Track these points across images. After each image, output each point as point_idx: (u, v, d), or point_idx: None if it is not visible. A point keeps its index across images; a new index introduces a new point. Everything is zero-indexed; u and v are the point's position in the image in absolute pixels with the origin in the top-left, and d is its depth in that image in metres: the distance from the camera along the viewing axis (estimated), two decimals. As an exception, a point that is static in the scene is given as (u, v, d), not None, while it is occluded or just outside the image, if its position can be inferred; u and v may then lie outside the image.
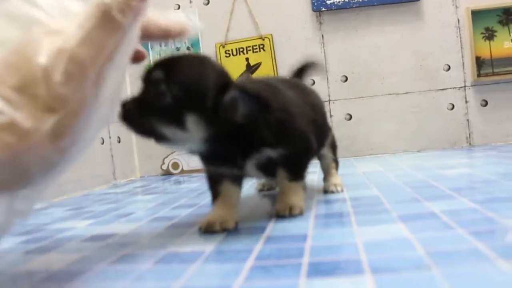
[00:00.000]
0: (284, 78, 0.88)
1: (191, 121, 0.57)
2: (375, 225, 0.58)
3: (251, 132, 0.62)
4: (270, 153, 0.65)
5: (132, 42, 0.40)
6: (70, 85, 0.34)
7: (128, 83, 1.78)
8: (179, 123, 0.57)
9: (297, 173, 0.71)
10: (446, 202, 0.68)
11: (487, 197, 0.69)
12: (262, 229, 0.61)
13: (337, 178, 0.92)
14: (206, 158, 0.67)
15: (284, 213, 0.67)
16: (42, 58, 0.33)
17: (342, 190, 0.88)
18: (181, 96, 0.56)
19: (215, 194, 0.68)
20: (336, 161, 0.94)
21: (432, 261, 0.42)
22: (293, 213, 0.67)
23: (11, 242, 0.69)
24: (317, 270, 0.42)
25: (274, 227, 0.62)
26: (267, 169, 0.68)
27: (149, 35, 0.51)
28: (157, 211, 0.86)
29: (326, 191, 0.89)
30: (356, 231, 0.56)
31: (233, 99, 0.58)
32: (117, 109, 0.48)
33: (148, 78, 0.59)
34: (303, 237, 0.55)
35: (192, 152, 0.65)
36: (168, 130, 0.58)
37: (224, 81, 0.60)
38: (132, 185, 1.48)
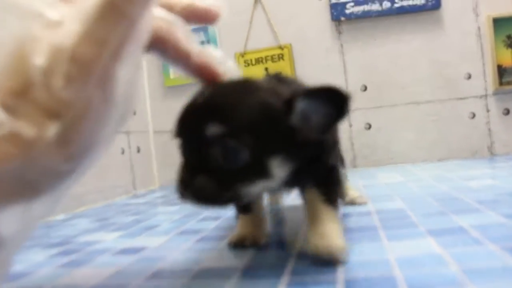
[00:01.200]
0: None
1: (276, 164, 0.46)
2: (405, 239, 0.58)
3: (317, 146, 0.52)
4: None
5: (143, 33, 0.35)
6: (72, 88, 0.30)
7: (146, 75, 1.80)
8: (266, 174, 0.46)
9: (334, 192, 0.59)
10: (474, 215, 0.68)
11: (516, 211, 0.68)
12: (292, 244, 0.62)
13: (355, 191, 0.93)
14: None
15: (328, 257, 0.51)
16: (40, 59, 0.30)
17: (366, 202, 0.88)
18: (257, 143, 0.44)
19: (243, 207, 0.65)
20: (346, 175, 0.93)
21: (466, 278, 0.42)
22: (339, 258, 0.51)
23: (42, 255, 0.70)
24: (353, 287, 0.43)
25: (303, 243, 0.62)
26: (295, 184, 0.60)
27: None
28: (183, 223, 0.87)
29: (351, 203, 0.89)
30: (386, 246, 0.56)
31: (303, 112, 0.46)
32: (127, 120, 0.37)
33: (199, 134, 0.44)
34: (335, 253, 0.55)
35: None
36: (256, 187, 0.47)
37: (280, 96, 0.47)
38: (153, 195, 1.50)
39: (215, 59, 0.44)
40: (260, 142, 0.45)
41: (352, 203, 0.89)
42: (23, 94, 0.30)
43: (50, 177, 0.32)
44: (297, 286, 0.45)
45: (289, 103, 0.46)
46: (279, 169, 0.47)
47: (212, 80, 0.44)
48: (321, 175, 0.57)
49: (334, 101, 0.45)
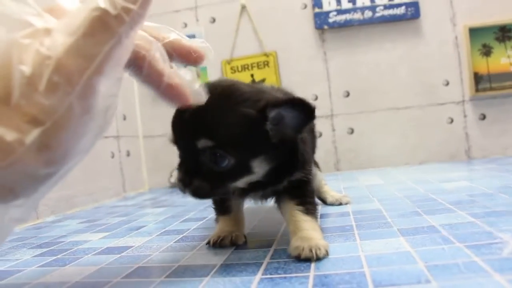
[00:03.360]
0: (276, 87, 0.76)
1: (257, 163, 0.55)
2: (377, 238, 0.60)
3: (292, 153, 0.60)
4: (297, 175, 0.63)
5: (127, 51, 0.37)
6: (54, 96, 0.31)
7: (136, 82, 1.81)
8: (249, 172, 0.56)
9: (311, 203, 0.64)
10: (446, 215, 0.70)
11: (485, 211, 0.71)
12: (269, 243, 0.64)
13: (335, 192, 0.96)
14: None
15: (310, 255, 0.54)
16: (26, 68, 0.31)
17: (350, 201, 0.92)
18: (239, 150, 0.54)
19: (222, 209, 0.68)
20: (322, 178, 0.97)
21: (431, 274, 0.44)
22: (319, 255, 0.55)
23: (29, 255, 0.71)
24: (323, 283, 0.45)
25: (280, 241, 0.64)
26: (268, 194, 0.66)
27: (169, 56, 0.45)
28: (167, 224, 0.88)
29: (337, 204, 0.92)
30: (359, 245, 0.58)
31: (275, 118, 0.54)
32: (111, 124, 0.40)
33: (192, 145, 0.54)
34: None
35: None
36: (239, 183, 0.57)
37: (256, 105, 0.54)
38: (142, 197, 1.51)
39: (185, 81, 0.45)
40: (242, 148, 0.54)
41: (339, 203, 0.92)
42: (7, 100, 0.30)
43: (29, 181, 0.33)
44: (269, 282, 0.46)
45: (263, 111, 0.53)
46: (260, 167, 0.56)
47: (177, 102, 0.46)
48: (294, 186, 0.63)
49: (301, 109, 0.53)
